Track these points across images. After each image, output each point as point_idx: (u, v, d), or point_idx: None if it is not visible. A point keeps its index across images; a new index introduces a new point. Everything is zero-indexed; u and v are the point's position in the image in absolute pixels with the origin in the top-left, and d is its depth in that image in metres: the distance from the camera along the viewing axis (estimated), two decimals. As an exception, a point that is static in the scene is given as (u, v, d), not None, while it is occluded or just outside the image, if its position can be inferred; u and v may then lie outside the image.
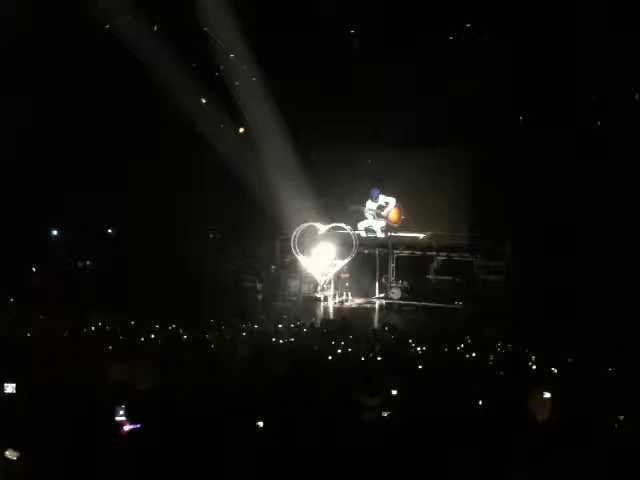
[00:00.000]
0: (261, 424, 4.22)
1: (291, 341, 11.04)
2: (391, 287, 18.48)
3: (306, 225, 18.58)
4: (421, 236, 18.92)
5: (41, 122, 15.60)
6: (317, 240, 18.78)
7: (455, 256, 18.36)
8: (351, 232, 18.53)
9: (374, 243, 19.41)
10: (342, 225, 18.53)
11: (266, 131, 19.24)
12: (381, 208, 19.92)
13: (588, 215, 15.30)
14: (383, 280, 18.90)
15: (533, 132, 15.70)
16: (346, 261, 18.50)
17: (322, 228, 18.68)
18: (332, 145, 18.46)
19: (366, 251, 19.36)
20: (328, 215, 18.90)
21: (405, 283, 18.47)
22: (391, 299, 18.26)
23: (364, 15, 15.02)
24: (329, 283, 19.14)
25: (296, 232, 18.47)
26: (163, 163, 18.78)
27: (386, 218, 19.84)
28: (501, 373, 7.83)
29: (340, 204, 19.07)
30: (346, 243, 18.67)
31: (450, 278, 18.17)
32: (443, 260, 18.54)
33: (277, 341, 10.78)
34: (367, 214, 19.87)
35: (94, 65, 15.21)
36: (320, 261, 18.65)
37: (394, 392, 5.54)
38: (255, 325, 12.84)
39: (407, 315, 17.23)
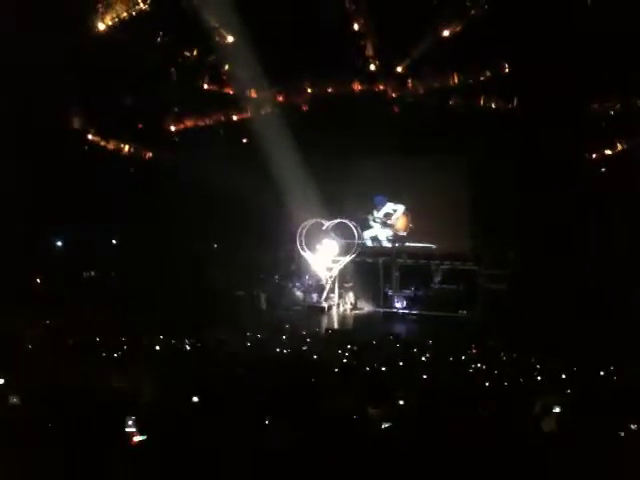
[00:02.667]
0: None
1: (295, 350, 11.01)
2: (395, 296, 18.45)
3: (312, 221, 18.66)
4: (433, 247, 18.98)
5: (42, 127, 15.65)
6: (322, 236, 18.87)
7: (459, 265, 18.33)
8: (354, 228, 18.53)
9: (378, 252, 19.42)
10: (346, 221, 18.57)
11: (271, 139, 19.32)
12: (388, 216, 19.92)
13: (592, 223, 15.28)
14: (387, 289, 18.86)
15: (537, 142, 15.67)
16: (349, 257, 18.50)
17: (326, 224, 18.75)
18: (337, 153, 18.50)
19: (370, 260, 19.36)
20: (333, 212, 18.94)
21: (409, 292, 18.44)
22: (395, 308, 18.23)
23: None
24: (333, 291, 19.15)
25: (302, 228, 18.57)
26: (166, 171, 18.84)
27: (393, 226, 19.87)
28: (505, 383, 7.78)
29: (346, 204, 19.12)
30: (350, 240, 18.76)
31: (454, 287, 18.12)
32: (447, 269, 18.51)
33: (281, 351, 10.75)
34: (372, 223, 19.89)
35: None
36: (325, 257, 18.74)
37: (399, 402, 5.53)
38: (259, 335, 12.81)
39: (411, 324, 17.18)
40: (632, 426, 4.45)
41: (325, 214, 18.90)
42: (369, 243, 19.88)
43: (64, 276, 17.84)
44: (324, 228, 18.81)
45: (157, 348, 10.06)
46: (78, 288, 17.66)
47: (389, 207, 19.74)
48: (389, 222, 19.86)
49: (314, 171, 18.65)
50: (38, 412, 4.32)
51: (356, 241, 18.53)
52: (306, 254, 18.78)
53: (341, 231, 18.90)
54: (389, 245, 19.82)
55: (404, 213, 19.60)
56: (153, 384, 5.93)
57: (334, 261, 18.72)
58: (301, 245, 18.68)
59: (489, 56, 14.81)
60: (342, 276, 19.44)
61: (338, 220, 18.72)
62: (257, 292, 19.29)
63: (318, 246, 18.84)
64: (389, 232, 19.94)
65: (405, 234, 19.76)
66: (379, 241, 20.02)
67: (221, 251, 20.43)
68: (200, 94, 17.40)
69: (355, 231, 18.57)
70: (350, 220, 18.73)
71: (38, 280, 17.72)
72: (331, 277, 18.79)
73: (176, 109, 18.27)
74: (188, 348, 10.65)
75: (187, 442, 3.88)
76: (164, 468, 3.66)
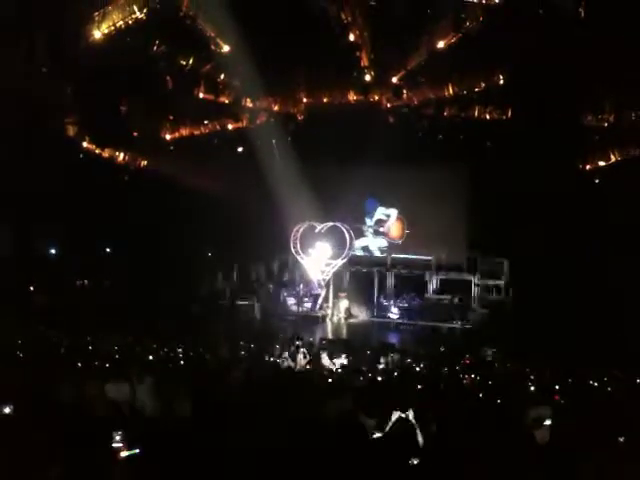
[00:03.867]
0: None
1: (289, 360, 10.98)
2: (390, 306, 18.42)
3: (305, 225, 18.62)
4: (429, 259, 18.73)
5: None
6: (314, 239, 18.82)
7: (454, 275, 18.33)
8: (346, 232, 18.39)
9: (373, 262, 19.38)
10: (338, 224, 18.48)
11: (266, 148, 19.44)
12: (380, 223, 19.73)
13: (588, 233, 15.33)
14: (382, 299, 18.84)
15: (534, 150, 15.76)
16: (340, 261, 18.41)
17: (319, 227, 18.71)
18: (333, 159, 18.56)
19: (365, 270, 19.32)
20: (326, 215, 18.86)
21: (404, 302, 18.41)
22: (390, 318, 18.20)
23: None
24: (327, 301, 19.15)
25: (296, 231, 18.53)
26: (162, 181, 18.87)
27: (386, 235, 19.64)
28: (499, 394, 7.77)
29: (339, 213, 19.02)
30: (342, 243, 18.63)
31: (449, 297, 18.11)
32: (442, 279, 18.50)
33: (274, 361, 10.72)
34: (366, 232, 19.70)
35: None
36: (318, 260, 18.72)
37: (394, 413, 5.51)
38: (252, 344, 12.77)
39: (406, 334, 17.16)
40: (620, 438, 4.45)
41: (319, 217, 18.83)
42: (359, 253, 19.64)
43: (57, 284, 17.77)
44: (317, 231, 18.73)
45: (150, 358, 10.01)
46: (71, 296, 17.58)
47: (380, 212, 19.52)
48: (381, 229, 19.60)
49: (308, 179, 18.73)
50: (30, 422, 4.29)
51: (347, 250, 18.34)
52: (300, 257, 18.73)
53: (334, 236, 18.74)
54: (381, 254, 19.59)
55: (398, 218, 19.35)
56: (147, 394, 5.90)
57: (327, 264, 18.65)
58: (295, 248, 18.62)
59: (484, 67, 14.90)
60: (337, 286, 19.44)
61: (331, 224, 18.59)
62: (252, 301, 19.26)
63: (310, 250, 18.80)
64: (382, 242, 19.62)
65: (401, 242, 19.42)
66: (370, 252, 19.79)
67: (215, 260, 20.40)
68: (196, 103, 17.45)
69: (347, 235, 18.37)
70: (342, 224, 18.59)
71: (31, 288, 17.65)
72: (324, 280, 18.71)
73: (172, 117, 18.31)
74: (181, 359, 10.60)
75: (182, 453, 3.86)
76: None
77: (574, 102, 14.71)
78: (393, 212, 19.49)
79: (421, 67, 15.01)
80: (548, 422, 4.54)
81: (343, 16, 13.68)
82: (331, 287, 19.51)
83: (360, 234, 19.68)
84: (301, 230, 18.60)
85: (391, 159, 18.46)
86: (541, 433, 4.51)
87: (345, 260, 18.46)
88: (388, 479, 3.87)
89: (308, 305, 19.12)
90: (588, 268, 15.19)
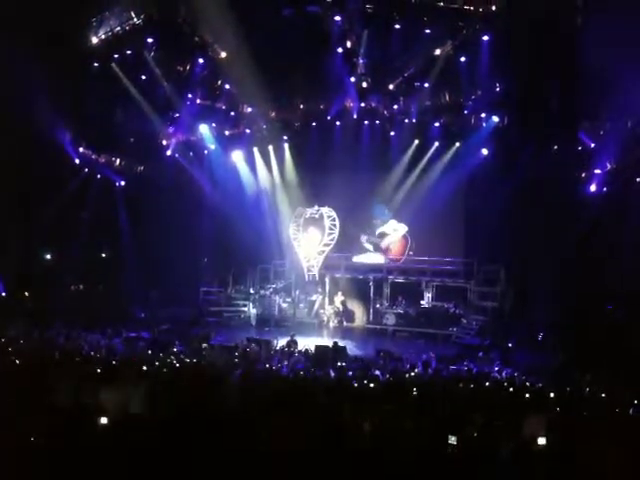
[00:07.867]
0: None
1: (284, 366, 10.95)
2: (385, 312, 18.37)
3: (303, 210, 18.74)
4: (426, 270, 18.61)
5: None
6: (308, 224, 18.82)
7: (450, 282, 18.29)
8: (327, 218, 18.35)
9: (369, 268, 19.33)
10: (324, 210, 18.45)
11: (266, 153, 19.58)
12: (382, 236, 19.69)
13: (584, 241, 15.35)
14: (377, 305, 18.80)
15: (529, 160, 15.81)
16: (324, 246, 18.36)
17: (309, 211, 18.73)
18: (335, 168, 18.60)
19: (361, 276, 19.29)
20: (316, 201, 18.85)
21: (399, 308, 18.37)
22: (385, 324, 18.14)
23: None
24: (323, 307, 19.11)
25: (296, 217, 18.70)
26: (161, 186, 18.94)
27: (386, 252, 19.44)
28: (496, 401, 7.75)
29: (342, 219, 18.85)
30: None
31: (445, 304, 18.07)
32: (437, 286, 18.46)
33: (270, 367, 10.69)
34: (366, 244, 19.47)
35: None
36: (309, 246, 18.75)
37: (389, 418, 5.51)
38: (248, 349, 12.74)
39: (401, 340, 17.11)
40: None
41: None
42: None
43: (52, 289, 17.69)
44: (308, 216, 18.68)
45: (144, 364, 9.96)
46: (66, 301, 17.49)
47: (390, 225, 19.41)
48: (382, 245, 19.44)
49: (311, 185, 18.82)
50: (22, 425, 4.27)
51: (325, 236, 18.22)
52: (297, 242, 18.70)
53: (325, 222, 18.63)
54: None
55: (403, 236, 19.15)
56: (140, 399, 5.87)
57: (316, 250, 18.61)
58: (295, 235, 18.65)
59: (481, 75, 14.95)
60: (333, 292, 19.39)
61: (321, 210, 18.56)
62: (247, 307, 19.25)
63: (304, 234, 18.76)
64: (380, 259, 19.43)
65: (401, 261, 19.21)
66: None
67: (211, 265, 20.37)
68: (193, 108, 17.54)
69: (329, 221, 18.28)
70: (330, 210, 18.50)
71: (26, 293, 17.57)
72: (315, 267, 18.65)
73: (168, 123, 18.35)
74: (177, 365, 10.57)
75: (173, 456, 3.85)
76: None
77: (571, 109, 14.75)
78: (402, 228, 19.26)
79: (418, 74, 15.11)
80: (542, 441, 4.51)
81: (340, 23, 13.77)
82: (327, 293, 19.47)
83: (360, 248, 19.53)
84: (302, 215, 18.62)
85: (387, 166, 18.60)
86: (538, 441, 4.51)
87: (331, 246, 18.41)
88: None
89: (304, 312, 19.04)
90: (585, 274, 15.20)
